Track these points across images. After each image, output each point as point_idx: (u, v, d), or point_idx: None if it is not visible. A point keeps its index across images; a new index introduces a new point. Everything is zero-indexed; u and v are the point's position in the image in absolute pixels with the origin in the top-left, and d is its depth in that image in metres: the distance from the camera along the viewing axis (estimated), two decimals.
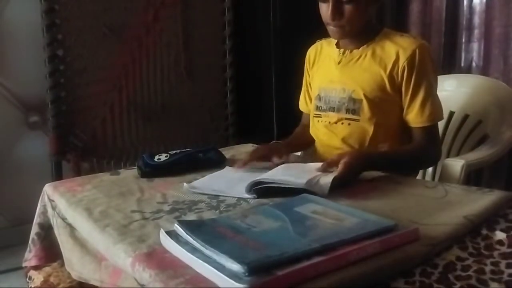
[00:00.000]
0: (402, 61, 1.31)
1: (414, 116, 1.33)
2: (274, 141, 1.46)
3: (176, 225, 0.83)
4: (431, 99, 1.32)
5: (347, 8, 1.28)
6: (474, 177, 1.45)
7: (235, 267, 0.68)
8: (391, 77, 1.33)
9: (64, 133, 2.27)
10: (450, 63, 2.52)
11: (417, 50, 1.30)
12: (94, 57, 2.28)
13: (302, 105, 1.61)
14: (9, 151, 2.41)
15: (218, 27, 2.56)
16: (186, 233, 0.79)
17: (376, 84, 1.34)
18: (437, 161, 1.42)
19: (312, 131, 1.50)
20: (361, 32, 1.35)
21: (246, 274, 0.66)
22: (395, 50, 1.32)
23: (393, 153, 1.32)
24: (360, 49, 1.38)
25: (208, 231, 0.81)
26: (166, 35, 2.43)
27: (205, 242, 0.75)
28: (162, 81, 2.46)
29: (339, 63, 1.41)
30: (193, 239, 0.77)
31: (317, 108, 1.45)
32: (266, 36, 2.64)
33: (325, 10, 1.30)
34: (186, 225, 0.82)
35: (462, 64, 2.50)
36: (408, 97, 1.33)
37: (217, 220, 0.88)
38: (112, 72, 2.34)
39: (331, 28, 1.34)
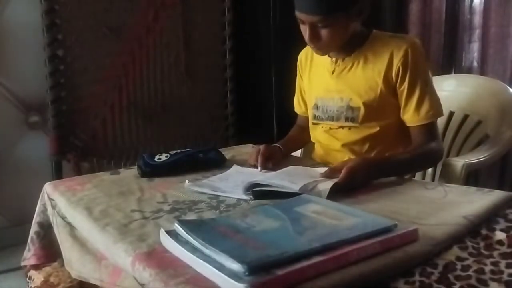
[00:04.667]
0: (396, 62, 1.29)
1: (411, 115, 1.32)
2: (273, 145, 1.44)
3: (176, 224, 0.82)
4: (428, 96, 1.31)
5: (324, 32, 1.25)
6: (472, 176, 1.45)
7: (235, 266, 0.67)
8: (386, 80, 1.31)
9: (64, 133, 2.27)
10: (451, 63, 2.51)
11: (409, 50, 1.29)
12: (94, 57, 2.28)
13: (297, 107, 1.61)
14: (9, 151, 2.41)
15: (218, 28, 2.56)
16: (186, 233, 0.79)
17: (372, 90, 1.33)
18: (440, 158, 1.39)
19: (312, 137, 1.50)
20: (347, 43, 1.33)
21: (246, 273, 0.66)
22: (388, 52, 1.31)
23: (397, 157, 1.29)
24: (352, 56, 1.36)
25: (208, 230, 0.80)
26: (166, 35, 2.43)
27: (205, 242, 0.75)
28: (162, 81, 2.46)
29: (333, 72, 1.39)
30: (193, 239, 0.77)
31: (315, 117, 1.44)
32: (266, 36, 2.64)
33: (304, 31, 1.29)
34: (186, 224, 0.82)
35: (463, 64, 2.49)
36: (404, 96, 1.31)
37: (217, 220, 0.88)
38: (112, 72, 2.33)
39: (312, 47, 1.33)
